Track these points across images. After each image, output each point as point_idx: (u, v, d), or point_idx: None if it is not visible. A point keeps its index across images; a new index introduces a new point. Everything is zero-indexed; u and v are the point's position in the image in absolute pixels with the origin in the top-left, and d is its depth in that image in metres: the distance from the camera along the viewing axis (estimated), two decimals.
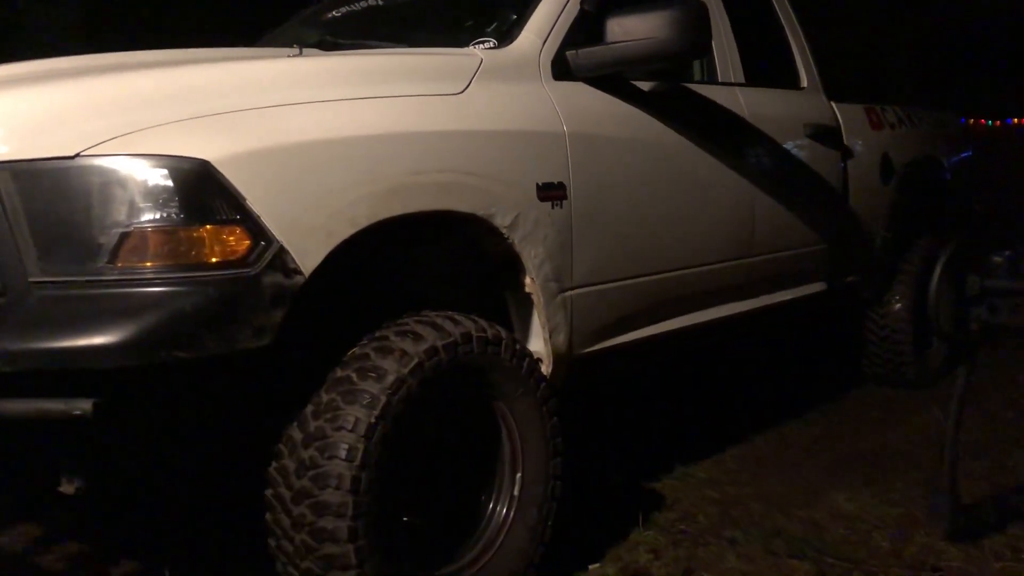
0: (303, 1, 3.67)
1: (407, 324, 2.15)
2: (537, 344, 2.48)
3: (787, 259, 3.49)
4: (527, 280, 2.41)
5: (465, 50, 2.56)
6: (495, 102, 2.41)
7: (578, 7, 2.73)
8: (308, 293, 1.93)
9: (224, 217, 1.83)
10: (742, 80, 3.37)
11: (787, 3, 3.90)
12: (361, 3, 3.33)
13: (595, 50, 2.63)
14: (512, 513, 2.31)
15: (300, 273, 1.90)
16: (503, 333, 2.28)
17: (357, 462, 1.95)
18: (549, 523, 2.36)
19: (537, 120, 2.48)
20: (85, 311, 1.76)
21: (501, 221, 2.31)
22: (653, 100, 2.84)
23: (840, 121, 3.87)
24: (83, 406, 1.72)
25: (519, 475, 2.32)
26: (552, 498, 2.37)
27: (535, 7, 2.68)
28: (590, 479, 3.07)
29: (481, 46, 2.59)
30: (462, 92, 2.36)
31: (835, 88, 3.95)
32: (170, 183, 1.80)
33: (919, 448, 3.52)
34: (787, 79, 3.81)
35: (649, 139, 2.81)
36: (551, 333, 2.47)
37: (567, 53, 2.65)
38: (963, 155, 4.96)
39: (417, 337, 2.11)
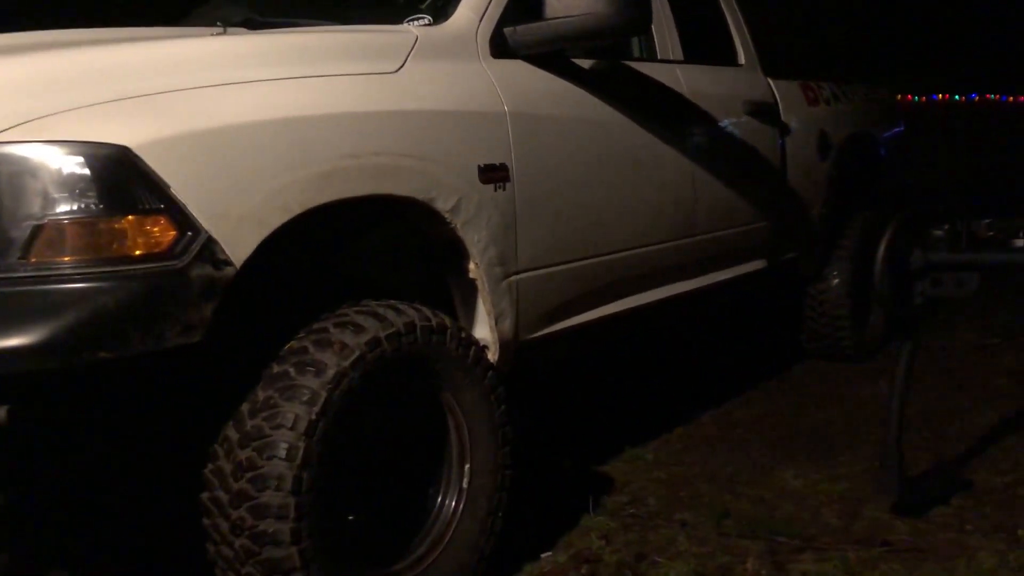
0: None
1: (347, 315, 2.06)
2: (483, 331, 2.41)
3: (728, 237, 3.48)
4: (471, 265, 2.34)
5: (399, 27, 2.47)
6: (432, 81, 2.32)
7: None
8: (240, 285, 1.83)
9: (147, 207, 1.72)
10: (681, 57, 3.33)
11: None
12: None
13: (534, 26, 2.56)
14: (461, 506, 2.24)
15: (231, 264, 1.80)
16: (448, 321, 2.21)
17: (298, 461, 1.86)
18: (500, 514, 2.30)
19: (477, 99, 2.40)
20: None
21: (442, 205, 2.23)
22: (593, 78, 2.79)
23: (777, 98, 3.87)
24: None
25: (468, 466, 2.26)
26: (502, 488, 2.31)
27: None
28: (538, 465, 3.02)
29: (416, 23, 2.49)
30: (397, 71, 2.27)
31: (771, 64, 3.95)
32: (87, 171, 1.68)
33: (861, 422, 3.56)
34: (725, 56, 3.79)
35: (591, 118, 2.75)
36: (497, 319, 2.41)
37: (505, 30, 2.57)
38: (896, 130, 5.02)
39: (358, 328, 2.02)
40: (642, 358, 4.46)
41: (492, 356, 2.40)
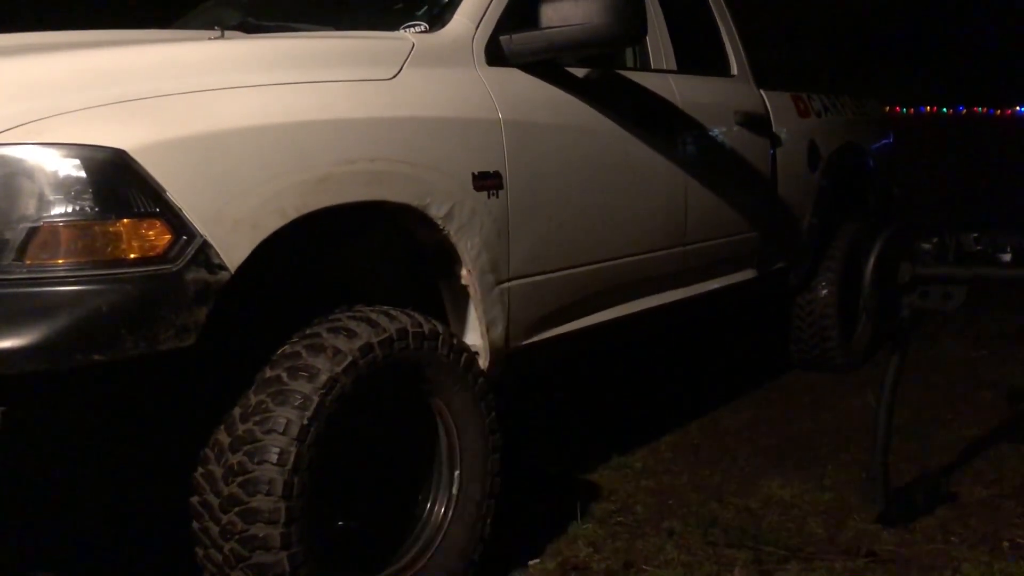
0: None
1: (340, 320, 2.06)
2: (474, 338, 2.42)
3: (719, 247, 3.50)
4: (463, 272, 2.35)
5: (396, 34, 2.48)
6: (428, 88, 2.33)
7: None
8: (234, 289, 1.83)
9: (143, 210, 1.72)
10: (674, 67, 3.35)
11: None
12: None
13: (530, 35, 2.57)
14: (450, 512, 2.25)
15: (225, 269, 1.80)
16: (440, 328, 2.21)
17: (289, 466, 1.86)
18: (488, 520, 2.31)
19: (472, 107, 2.41)
20: None
21: (436, 212, 2.24)
22: (588, 87, 2.80)
23: (769, 109, 3.89)
24: None
25: (457, 473, 2.26)
26: (491, 495, 2.31)
27: None
28: (527, 471, 3.03)
29: (412, 30, 2.50)
30: (393, 77, 2.28)
31: (762, 76, 3.98)
32: (83, 174, 1.68)
33: (847, 432, 3.58)
34: (718, 66, 3.81)
35: (584, 126, 2.76)
36: (488, 326, 2.41)
37: (501, 38, 2.58)
38: (884, 142, 5.06)
39: (351, 334, 2.02)
40: (631, 367, 4.48)
41: (483, 363, 2.41)
